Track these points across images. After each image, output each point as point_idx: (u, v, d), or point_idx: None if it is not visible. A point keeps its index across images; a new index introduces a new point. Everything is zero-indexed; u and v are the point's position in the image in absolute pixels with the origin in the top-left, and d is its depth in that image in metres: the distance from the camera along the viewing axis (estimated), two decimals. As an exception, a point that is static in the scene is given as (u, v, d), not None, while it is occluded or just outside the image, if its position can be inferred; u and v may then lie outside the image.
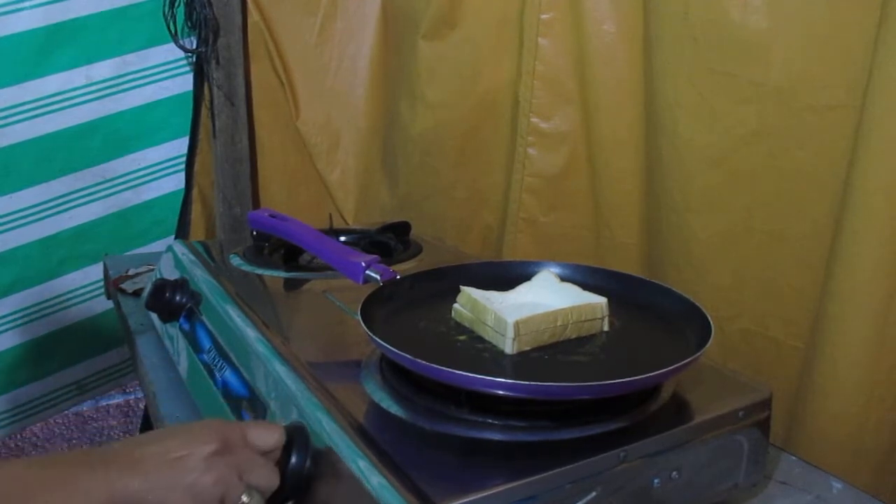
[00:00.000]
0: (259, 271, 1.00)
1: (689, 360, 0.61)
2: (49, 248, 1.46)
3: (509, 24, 1.19)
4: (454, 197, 1.33)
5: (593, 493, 0.56)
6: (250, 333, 0.78)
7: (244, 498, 0.53)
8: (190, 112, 1.52)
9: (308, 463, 0.59)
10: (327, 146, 1.51)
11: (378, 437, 0.58)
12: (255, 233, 1.09)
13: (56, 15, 1.35)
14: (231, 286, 0.91)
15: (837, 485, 0.72)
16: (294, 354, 0.73)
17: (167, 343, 1.01)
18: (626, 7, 1.05)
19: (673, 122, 0.98)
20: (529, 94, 1.18)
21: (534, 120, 1.19)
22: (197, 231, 1.59)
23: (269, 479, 0.56)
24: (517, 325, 0.64)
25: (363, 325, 0.66)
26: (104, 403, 1.95)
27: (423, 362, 0.59)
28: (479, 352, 0.66)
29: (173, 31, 1.41)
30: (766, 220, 0.93)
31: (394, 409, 0.63)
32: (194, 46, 1.44)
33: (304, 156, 1.53)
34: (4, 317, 1.45)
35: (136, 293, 1.25)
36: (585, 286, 0.74)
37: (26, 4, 1.32)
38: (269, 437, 0.57)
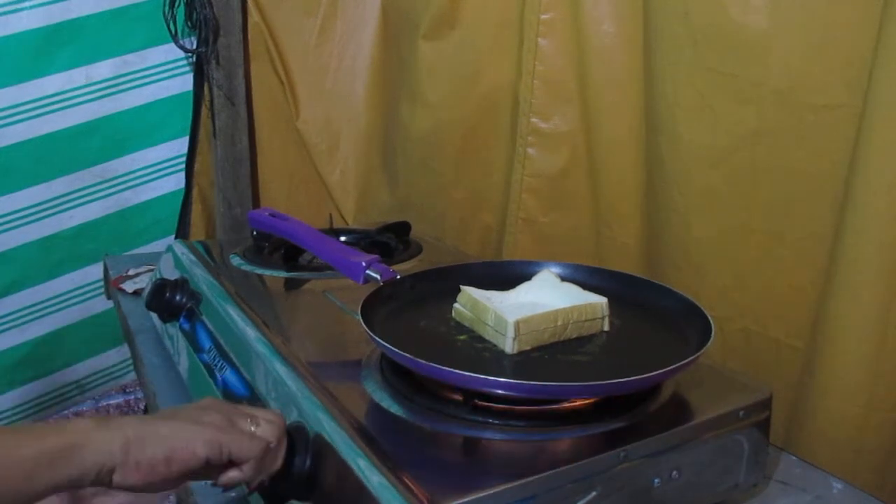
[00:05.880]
0: (259, 271, 1.00)
1: (689, 360, 0.61)
2: (49, 248, 1.46)
3: (509, 25, 1.18)
4: (454, 197, 1.33)
5: (593, 493, 0.56)
6: (250, 333, 0.78)
7: (251, 425, 0.56)
8: (190, 112, 1.52)
9: (308, 462, 0.59)
10: (327, 146, 1.51)
11: (378, 436, 0.59)
12: (255, 232, 1.09)
13: (56, 15, 1.35)
14: (231, 286, 0.91)
15: (837, 485, 0.72)
16: (294, 354, 0.73)
17: (167, 343, 1.01)
18: (625, 7, 1.05)
19: (673, 122, 0.98)
20: (529, 94, 1.18)
21: (533, 120, 1.19)
22: (197, 231, 1.59)
23: (272, 420, 0.58)
24: (517, 324, 0.64)
25: (363, 324, 0.66)
26: (104, 403, 1.95)
27: (424, 362, 0.59)
28: (480, 351, 0.66)
29: (173, 31, 1.41)
30: (766, 220, 0.93)
31: (394, 408, 0.63)
32: (194, 46, 1.44)
33: (304, 156, 1.53)
34: (4, 317, 1.46)
35: (136, 293, 1.25)
36: (585, 286, 0.74)
37: (26, 4, 1.32)
38: (266, 412, 0.60)
